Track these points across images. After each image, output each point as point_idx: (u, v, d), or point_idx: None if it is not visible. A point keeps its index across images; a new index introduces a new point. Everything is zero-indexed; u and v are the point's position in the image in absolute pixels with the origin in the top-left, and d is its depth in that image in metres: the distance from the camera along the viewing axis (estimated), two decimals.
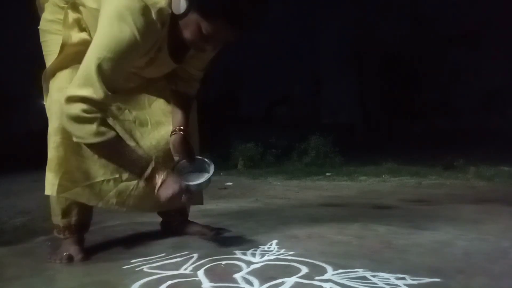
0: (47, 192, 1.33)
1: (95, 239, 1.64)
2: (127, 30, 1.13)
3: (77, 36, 1.35)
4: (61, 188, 1.32)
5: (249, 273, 1.16)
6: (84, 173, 1.34)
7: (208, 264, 1.25)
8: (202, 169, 1.42)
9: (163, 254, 1.38)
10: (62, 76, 1.33)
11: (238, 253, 1.36)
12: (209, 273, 1.17)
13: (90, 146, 1.20)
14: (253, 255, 1.34)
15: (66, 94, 1.15)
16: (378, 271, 1.14)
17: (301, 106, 22.02)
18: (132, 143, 1.38)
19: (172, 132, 1.44)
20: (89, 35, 1.36)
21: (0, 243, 1.68)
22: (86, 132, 1.16)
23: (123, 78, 1.24)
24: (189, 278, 1.14)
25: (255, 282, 1.08)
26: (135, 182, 1.38)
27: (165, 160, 1.45)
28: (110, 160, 1.30)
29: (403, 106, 17.25)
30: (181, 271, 1.20)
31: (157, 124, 1.49)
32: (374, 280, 1.08)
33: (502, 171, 4.11)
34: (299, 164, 6.43)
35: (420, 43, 16.53)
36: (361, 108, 18.78)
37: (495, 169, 4.19)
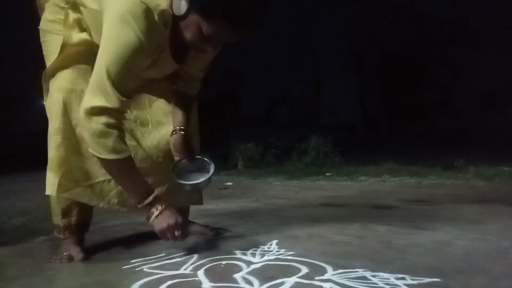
0: (48, 192, 1.33)
1: (95, 239, 1.64)
2: (132, 34, 1.13)
3: (77, 36, 1.35)
4: (62, 188, 1.32)
5: (249, 273, 1.16)
6: (85, 173, 1.35)
7: (208, 264, 1.25)
8: (203, 169, 1.43)
9: (163, 254, 1.38)
10: (63, 76, 1.33)
11: (238, 253, 1.36)
12: (209, 273, 1.17)
13: (102, 160, 1.21)
14: (253, 255, 1.34)
15: (83, 106, 1.16)
16: (378, 271, 1.14)
17: (301, 106, 22.05)
18: (133, 143, 1.39)
19: (172, 132, 1.44)
20: (90, 35, 1.36)
21: (0, 243, 1.68)
22: (102, 147, 1.17)
23: (134, 82, 1.25)
24: (189, 278, 1.14)
25: (255, 282, 1.08)
26: None
27: (165, 160, 1.45)
28: (115, 178, 1.30)
29: (403, 106, 17.25)
30: (181, 271, 1.20)
31: (158, 124, 1.49)
32: (374, 280, 1.08)
33: (502, 171, 4.11)
34: (299, 164, 6.43)
35: (420, 43, 16.52)
36: (361, 108, 18.78)
37: (495, 169, 4.19)
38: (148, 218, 1.27)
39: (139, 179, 1.27)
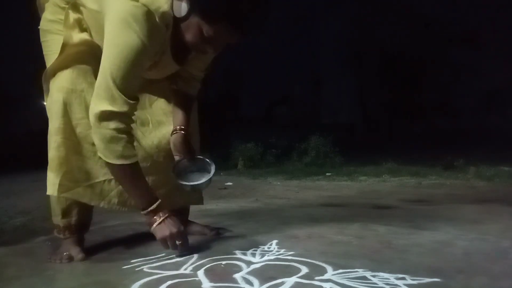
0: (49, 192, 1.33)
1: (95, 239, 1.64)
2: (134, 37, 1.14)
3: (78, 36, 1.35)
4: (62, 188, 1.32)
5: (249, 273, 1.16)
6: (85, 173, 1.35)
7: (208, 264, 1.25)
8: (203, 169, 1.43)
9: (163, 254, 1.38)
10: (63, 76, 1.33)
11: (238, 253, 1.36)
12: (209, 273, 1.17)
13: (109, 165, 1.23)
14: (253, 255, 1.34)
15: (92, 111, 1.18)
16: (378, 271, 1.14)
17: (301, 106, 22.04)
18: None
19: (173, 132, 1.44)
20: (90, 35, 1.37)
21: (0, 243, 1.68)
22: (111, 152, 1.19)
23: (139, 84, 1.26)
24: (189, 278, 1.14)
25: (255, 282, 1.08)
26: None
27: (166, 159, 1.45)
28: (121, 183, 1.31)
29: (403, 106, 17.25)
30: (181, 271, 1.20)
31: (158, 123, 1.49)
32: (374, 280, 1.08)
33: (502, 171, 4.11)
34: (299, 164, 6.43)
35: (420, 43, 16.52)
36: (361, 108, 18.78)
37: (495, 169, 4.19)
38: (150, 225, 1.28)
39: (144, 186, 1.28)
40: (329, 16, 19.86)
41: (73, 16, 1.34)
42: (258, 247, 1.43)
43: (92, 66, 1.35)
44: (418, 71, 16.97)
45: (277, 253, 1.36)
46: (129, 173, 1.24)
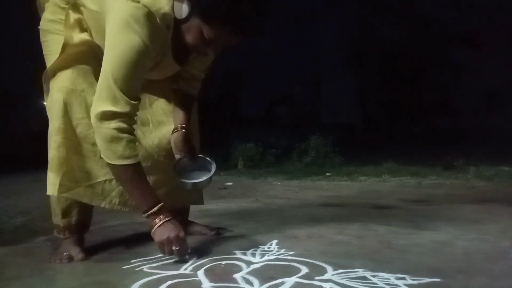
0: (49, 192, 1.33)
1: (95, 239, 1.64)
2: (135, 38, 1.14)
3: (78, 36, 1.35)
4: (63, 188, 1.32)
5: (249, 273, 1.16)
6: (85, 173, 1.35)
7: (208, 264, 1.25)
8: (204, 168, 1.43)
9: (163, 254, 1.38)
10: (63, 76, 1.33)
11: (238, 253, 1.36)
12: (209, 273, 1.17)
13: (110, 166, 1.22)
14: (253, 255, 1.34)
15: (93, 112, 1.18)
16: (378, 271, 1.14)
17: (301, 106, 22.02)
18: None
19: (173, 130, 1.44)
20: (90, 35, 1.37)
21: (0, 243, 1.68)
22: (112, 152, 1.19)
23: (141, 85, 1.26)
24: (189, 278, 1.14)
25: (255, 282, 1.08)
26: None
27: (166, 159, 1.45)
28: (123, 185, 1.30)
29: (403, 106, 17.24)
30: (181, 271, 1.20)
31: (159, 123, 1.50)
32: (374, 280, 1.08)
33: (502, 171, 4.11)
34: (299, 164, 6.43)
35: (420, 43, 16.51)
36: (361, 108, 18.77)
37: (495, 169, 4.19)
38: (151, 227, 1.26)
39: (146, 188, 1.27)
40: (329, 16, 19.85)
41: (73, 16, 1.35)
42: (258, 247, 1.43)
43: (93, 66, 1.35)
44: (418, 71, 16.96)
45: (277, 253, 1.36)
46: (131, 174, 1.23)
